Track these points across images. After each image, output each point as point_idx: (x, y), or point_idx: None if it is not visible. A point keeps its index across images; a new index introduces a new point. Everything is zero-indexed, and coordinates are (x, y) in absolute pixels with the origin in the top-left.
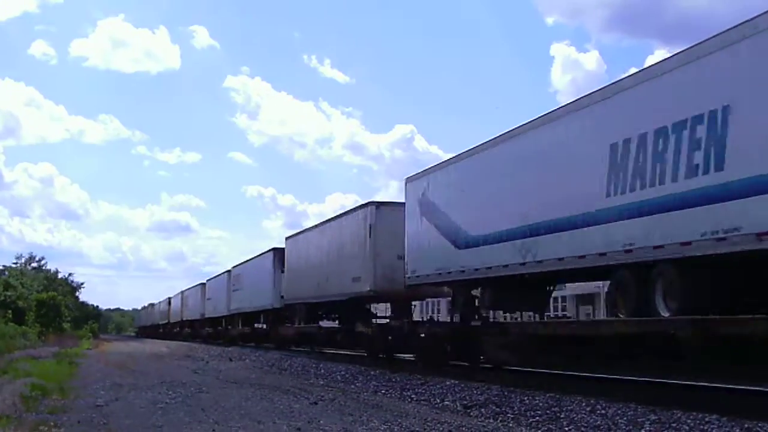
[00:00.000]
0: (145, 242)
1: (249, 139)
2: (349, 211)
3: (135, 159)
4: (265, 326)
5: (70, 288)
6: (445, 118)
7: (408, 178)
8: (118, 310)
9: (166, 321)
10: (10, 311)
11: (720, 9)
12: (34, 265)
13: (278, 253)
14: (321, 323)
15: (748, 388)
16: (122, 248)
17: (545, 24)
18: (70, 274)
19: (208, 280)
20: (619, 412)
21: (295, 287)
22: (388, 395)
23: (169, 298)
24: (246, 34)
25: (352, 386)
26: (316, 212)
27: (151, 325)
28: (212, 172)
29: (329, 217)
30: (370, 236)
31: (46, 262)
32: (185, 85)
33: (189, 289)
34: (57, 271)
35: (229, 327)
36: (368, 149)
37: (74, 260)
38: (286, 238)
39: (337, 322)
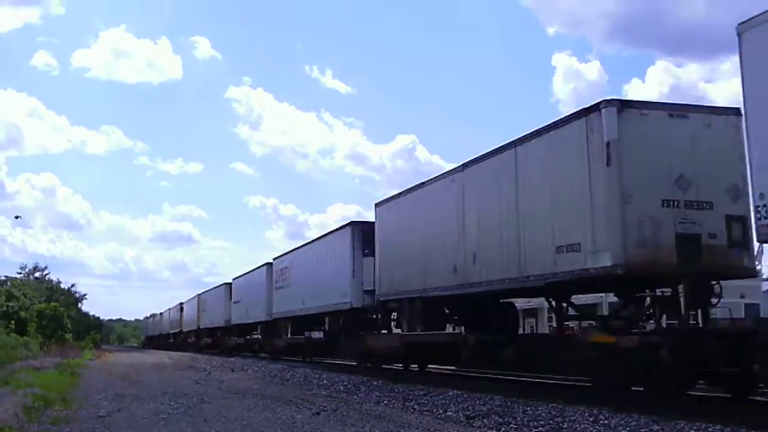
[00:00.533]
0: (147, 252)
1: (251, 149)
2: (543, 129)
3: (137, 169)
4: (324, 334)
5: (73, 299)
6: (447, 128)
7: None
8: (120, 320)
9: (178, 330)
10: (12, 322)
11: (718, 19)
12: (38, 275)
13: (360, 228)
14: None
15: (754, 398)
16: (124, 258)
17: (547, 34)
18: (72, 285)
19: (234, 279)
20: (622, 422)
21: (399, 275)
22: (391, 406)
23: (181, 304)
24: (247, 44)
25: (355, 397)
26: (317, 222)
27: (160, 335)
28: (214, 182)
29: (472, 158)
30: (607, 164)
31: (49, 272)
32: (187, 95)
33: (208, 291)
34: (59, 282)
35: (259, 336)
36: (370, 160)
37: (76, 270)
38: (377, 205)
39: (456, 327)
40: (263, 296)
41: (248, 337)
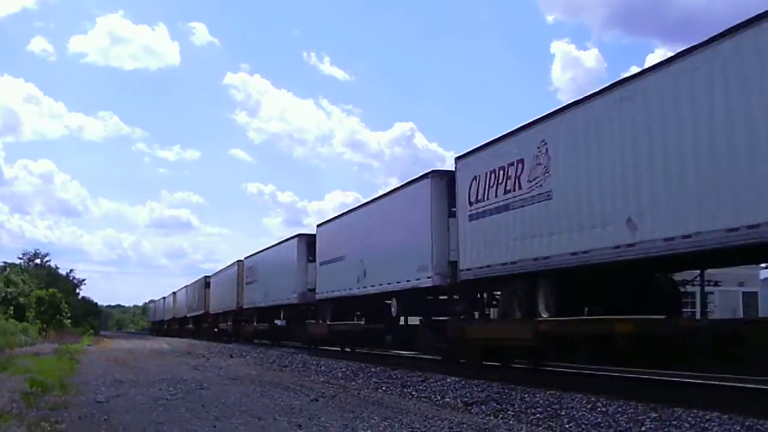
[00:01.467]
0: (145, 239)
1: (249, 136)
2: None
3: (135, 156)
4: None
5: (72, 285)
6: (445, 115)
7: None
8: (118, 306)
9: (201, 312)
10: (11, 308)
11: (719, 6)
12: (37, 261)
13: None
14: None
15: (750, 385)
16: (122, 245)
17: (545, 22)
18: (71, 271)
19: (320, 225)
20: (619, 409)
21: None
22: (389, 392)
23: (207, 278)
24: (245, 31)
25: (353, 383)
26: (315, 210)
27: (172, 320)
28: (212, 169)
29: None
30: None
31: (50, 259)
32: (185, 81)
33: (258, 254)
34: (57, 268)
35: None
36: (368, 147)
37: (74, 256)
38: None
39: None
40: (424, 237)
41: (352, 318)
